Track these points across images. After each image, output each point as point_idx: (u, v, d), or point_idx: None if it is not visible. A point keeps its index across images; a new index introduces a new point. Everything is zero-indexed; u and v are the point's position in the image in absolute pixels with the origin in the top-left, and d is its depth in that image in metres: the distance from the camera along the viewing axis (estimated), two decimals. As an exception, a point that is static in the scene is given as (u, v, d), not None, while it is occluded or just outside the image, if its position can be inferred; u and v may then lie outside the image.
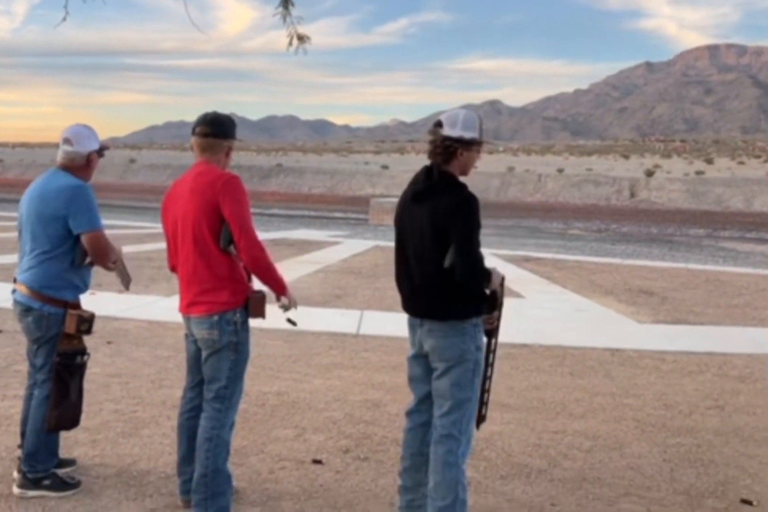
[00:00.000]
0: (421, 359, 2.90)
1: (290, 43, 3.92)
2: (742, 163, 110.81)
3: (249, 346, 2.95)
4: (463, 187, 2.78)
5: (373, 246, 16.86)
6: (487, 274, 2.72)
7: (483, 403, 2.94)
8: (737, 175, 75.41)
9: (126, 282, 3.40)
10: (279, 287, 2.88)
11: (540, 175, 70.16)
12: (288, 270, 11.54)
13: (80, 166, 3.13)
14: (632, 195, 62.27)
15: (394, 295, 10.53)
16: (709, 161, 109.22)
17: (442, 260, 2.71)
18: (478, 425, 2.95)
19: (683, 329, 7.91)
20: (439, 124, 2.81)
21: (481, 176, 74.95)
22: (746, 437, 4.32)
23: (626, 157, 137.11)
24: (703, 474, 3.73)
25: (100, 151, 3.20)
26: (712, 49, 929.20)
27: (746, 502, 3.40)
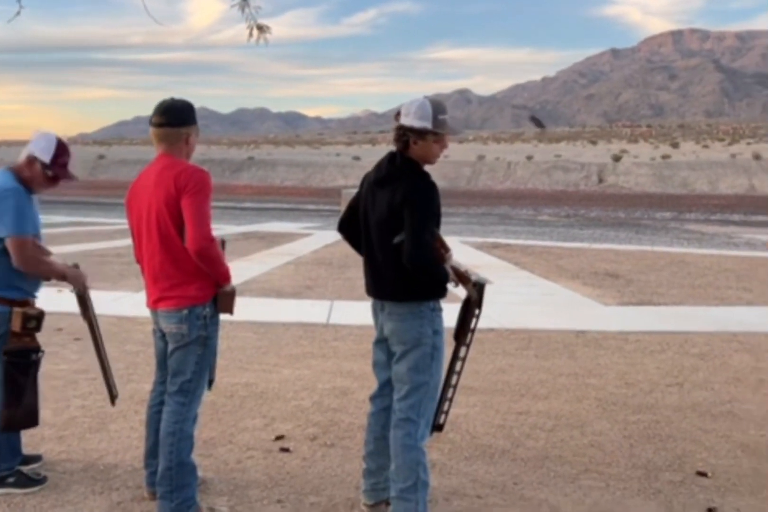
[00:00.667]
0: (383, 344, 2.95)
1: (250, 34, 3.92)
2: (706, 146, 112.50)
3: (217, 340, 2.96)
4: (424, 174, 2.81)
5: (344, 237, 16.88)
6: (437, 264, 2.75)
7: (442, 412, 2.94)
8: (702, 158, 76.55)
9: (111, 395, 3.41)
10: (224, 280, 2.86)
11: (510, 162, 70.62)
12: (259, 263, 11.55)
13: (22, 167, 3.08)
14: (600, 180, 62.97)
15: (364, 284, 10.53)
16: (675, 145, 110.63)
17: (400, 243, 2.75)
18: (431, 432, 2.94)
19: (647, 310, 8.09)
20: (397, 114, 2.85)
21: (452, 165, 75.12)
22: (703, 412, 4.46)
23: (594, 143, 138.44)
24: (661, 449, 3.84)
25: (48, 169, 3.04)
26: (676, 35, 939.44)
27: (701, 474, 3.51)
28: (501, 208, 40.15)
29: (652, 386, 5.02)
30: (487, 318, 7.28)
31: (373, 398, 3.05)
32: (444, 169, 71.56)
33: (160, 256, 2.81)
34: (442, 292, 2.87)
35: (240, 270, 10.41)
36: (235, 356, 5.61)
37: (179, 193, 2.74)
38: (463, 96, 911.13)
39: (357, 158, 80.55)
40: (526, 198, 52.25)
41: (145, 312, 3.12)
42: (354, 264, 11.61)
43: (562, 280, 10.24)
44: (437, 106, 2.81)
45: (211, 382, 3.16)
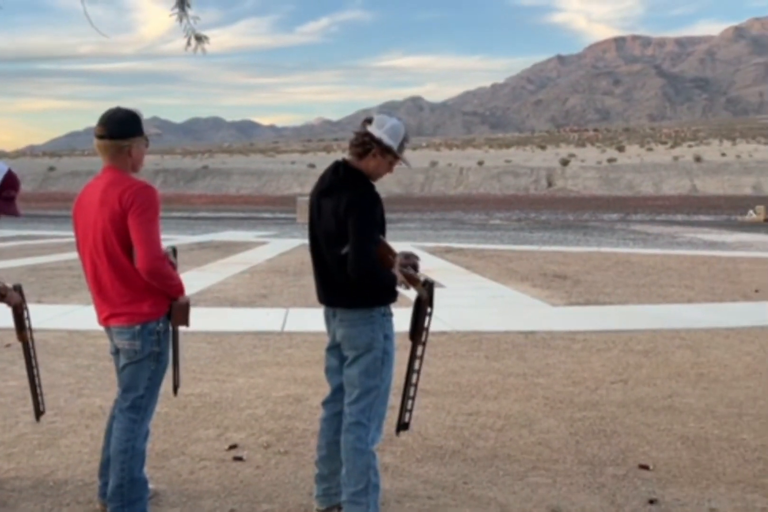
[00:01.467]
0: (335, 350, 3.00)
1: (188, 44, 3.93)
2: (650, 149, 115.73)
3: (169, 355, 2.92)
4: (368, 185, 2.87)
5: (300, 244, 16.88)
6: (381, 270, 2.79)
7: (406, 410, 2.98)
8: (646, 161, 78.89)
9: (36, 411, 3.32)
10: (177, 293, 2.84)
11: (462, 168, 71.61)
12: (214, 272, 11.48)
13: None
14: (549, 184, 64.26)
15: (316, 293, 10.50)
16: (621, 149, 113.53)
17: (341, 252, 2.81)
18: (398, 431, 3.01)
19: (593, 310, 8.32)
20: (369, 121, 2.88)
21: (406, 171, 75.67)
22: (646, 407, 4.62)
23: (543, 147, 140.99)
24: (606, 444, 3.98)
25: None
26: (619, 41, 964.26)
27: (644, 467, 3.65)
28: (454, 213, 40.60)
29: (598, 383, 5.18)
30: (439, 321, 7.44)
31: (325, 403, 3.10)
32: (398, 176, 72.08)
33: (108, 275, 2.76)
34: (391, 297, 2.93)
35: (195, 280, 10.35)
36: (189, 367, 5.57)
37: (125, 212, 2.67)
38: (416, 103, 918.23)
39: (312, 166, 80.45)
40: (479, 202, 52.99)
41: (97, 325, 3.10)
42: (309, 271, 11.58)
43: (512, 283, 10.45)
44: (407, 134, 2.90)
45: (176, 388, 3.20)
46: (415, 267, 2.94)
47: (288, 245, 16.55)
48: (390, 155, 2.87)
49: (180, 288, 2.84)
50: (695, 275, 11.47)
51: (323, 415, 3.09)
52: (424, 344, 2.99)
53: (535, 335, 6.89)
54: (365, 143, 2.84)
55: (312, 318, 7.54)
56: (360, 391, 2.88)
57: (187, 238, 18.20)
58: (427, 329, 2.99)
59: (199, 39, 3.93)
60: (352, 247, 2.73)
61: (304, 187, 60.81)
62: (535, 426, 4.26)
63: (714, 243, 18.55)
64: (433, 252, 15.03)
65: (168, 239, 17.73)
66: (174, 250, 2.98)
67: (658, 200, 54.31)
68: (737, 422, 4.31)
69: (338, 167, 2.89)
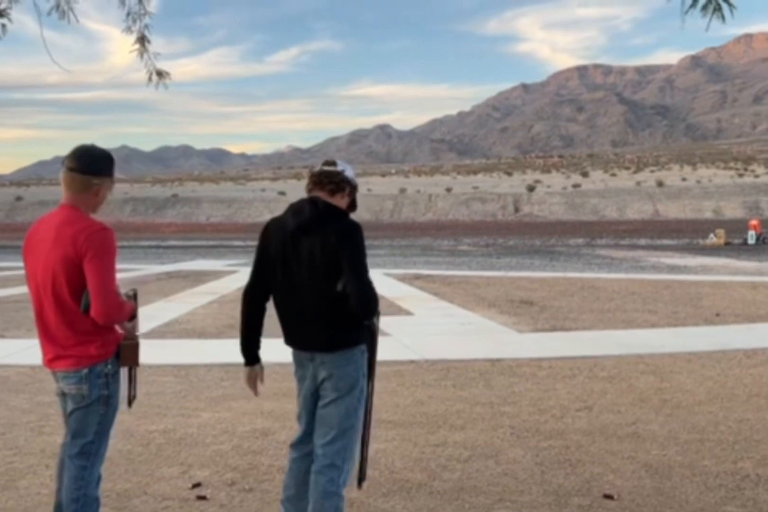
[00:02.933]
0: (312, 395, 2.91)
1: (150, 79, 3.95)
2: (614, 174, 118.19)
3: (118, 397, 2.80)
4: (349, 216, 2.90)
5: (266, 273, 16.81)
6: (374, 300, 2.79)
7: (363, 459, 2.95)
8: (610, 186, 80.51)
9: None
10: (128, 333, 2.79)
11: (430, 195, 72.25)
12: (181, 303, 11.35)
13: None
14: (516, 210, 65.11)
15: (284, 337, 10.45)
16: (585, 174, 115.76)
17: (334, 289, 2.74)
18: (360, 484, 2.99)
19: (559, 336, 8.41)
20: (333, 163, 2.92)
21: (375, 198, 76.06)
22: (610, 434, 4.67)
23: (509, 174, 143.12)
24: (571, 474, 4.01)
25: None
26: (581, 70, 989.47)
27: (608, 497, 3.68)
28: (423, 240, 40.82)
29: (563, 411, 5.22)
30: (407, 349, 7.47)
31: (295, 445, 3.02)
32: (368, 202, 72.40)
33: (54, 316, 2.67)
34: (370, 335, 2.90)
35: (162, 311, 10.23)
36: (154, 402, 5.50)
37: (79, 256, 2.58)
38: (384, 131, 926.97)
39: (282, 193, 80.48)
40: (447, 229, 53.44)
41: None
42: (275, 301, 11.57)
43: (479, 309, 10.52)
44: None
45: (131, 400, 3.03)
46: None
47: (256, 274, 16.48)
48: (354, 194, 2.96)
49: (128, 317, 2.75)
50: (658, 300, 11.67)
51: (293, 455, 3.01)
52: (373, 379, 3.00)
53: (502, 362, 6.94)
54: (340, 182, 2.88)
55: (279, 349, 7.50)
56: (337, 432, 2.82)
57: (156, 267, 18.00)
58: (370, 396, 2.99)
59: (161, 74, 3.96)
60: (354, 281, 2.69)
61: (274, 213, 60.76)
62: (501, 457, 4.27)
63: (676, 267, 18.92)
64: (402, 279, 15.09)
65: (135, 269, 17.52)
66: (135, 294, 2.87)
67: (622, 224, 55.32)
68: (699, 448, 4.38)
69: (316, 203, 2.84)
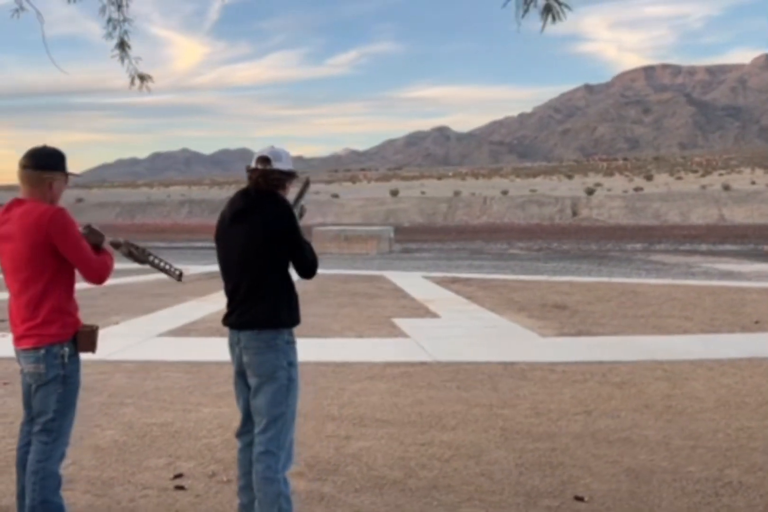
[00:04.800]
0: (242, 377, 3.08)
1: (132, 83, 4.13)
2: (680, 178, 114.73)
3: (78, 379, 3.02)
4: (280, 198, 3.06)
5: (308, 274, 17.01)
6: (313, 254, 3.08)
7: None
8: (674, 189, 78.11)
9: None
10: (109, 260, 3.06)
11: (485, 197, 71.61)
12: (213, 302, 11.62)
13: None
14: (574, 213, 63.89)
15: (312, 322, 10.75)
16: (649, 178, 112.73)
17: (266, 270, 2.98)
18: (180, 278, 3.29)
19: (582, 341, 8.27)
20: (267, 160, 3.07)
21: (429, 201, 75.87)
22: (601, 439, 4.60)
23: (570, 177, 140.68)
24: (549, 476, 3.97)
25: None
26: (648, 71, 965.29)
27: (578, 499, 3.64)
28: (475, 243, 40.55)
29: (561, 415, 5.16)
30: (421, 351, 7.49)
31: (239, 434, 3.17)
32: (421, 205, 72.31)
33: (20, 300, 2.93)
34: (297, 317, 3.08)
35: (193, 310, 10.52)
36: (160, 396, 5.69)
37: (48, 240, 2.86)
38: (442, 133, 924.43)
39: (335, 196, 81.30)
40: (501, 232, 52.83)
41: (9, 350, 3.21)
42: (309, 300, 11.73)
43: (508, 313, 10.43)
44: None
45: (181, 275, 3.40)
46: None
47: (294, 275, 16.68)
48: (294, 177, 3.13)
49: (111, 257, 3.07)
50: (698, 306, 11.32)
51: (239, 446, 3.17)
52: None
53: (515, 366, 6.88)
54: (278, 179, 3.06)
55: (299, 348, 7.65)
56: (268, 420, 2.96)
57: (198, 268, 18.43)
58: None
59: (143, 78, 4.13)
60: (297, 253, 3.00)
61: (326, 217, 61.40)
62: (483, 457, 4.27)
63: (729, 273, 18.28)
64: (439, 282, 15.06)
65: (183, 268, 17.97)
66: (119, 245, 3.18)
67: (684, 229, 53.60)
68: (689, 455, 4.27)
69: (247, 191, 3.07)
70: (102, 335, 9.34)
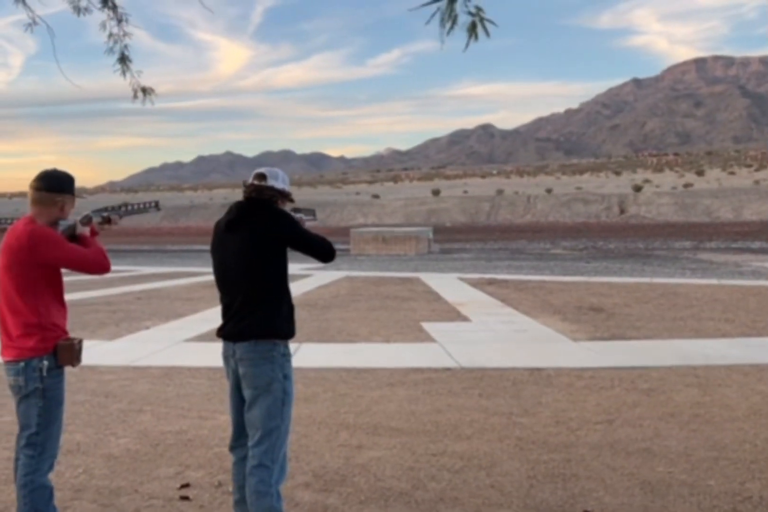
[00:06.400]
0: (237, 390, 3.07)
1: (135, 96, 4.17)
2: (732, 173, 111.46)
3: (60, 392, 3.01)
4: (273, 205, 3.08)
5: (343, 277, 17.07)
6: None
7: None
8: (725, 185, 75.87)
9: None
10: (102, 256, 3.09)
11: (529, 196, 70.78)
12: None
13: None
14: (622, 211, 62.61)
15: (340, 326, 10.75)
16: (700, 173, 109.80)
17: (263, 279, 2.96)
18: None
19: (615, 345, 8.05)
20: (263, 176, 3.08)
21: (471, 200, 75.46)
22: (620, 449, 4.44)
23: (618, 173, 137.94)
24: (560, 489, 3.85)
25: None
26: (699, 63, 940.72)
27: (587, 513, 3.52)
28: (518, 243, 40.08)
29: (582, 424, 5.01)
30: (446, 357, 7.39)
31: (232, 448, 3.15)
32: (463, 204, 71.93)
33: (5, 312, 2.99)
34: (293, 329, 3.06)
35: (218, 314, 10.62)
36: (179, 403, 5.73)
37: (31, 255, 2.91)
38: (487, 131, 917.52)
39: (376, 196, 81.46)
40: (546, 231, 52.16)
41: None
42: (340, 304, 11.74)
43: (542, 316, 10.23)
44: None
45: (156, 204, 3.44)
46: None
47: (330, 277, 16.72)
48: (287, 200, 3.14)
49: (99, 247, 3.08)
50: (741, 307, 10.93)
51: (233, 460, 3.15)
52: None
53: (541, 372, 6.73)
54: (272, 195, 3.09)
55: (321, 354, 7.64)
56: (262, 433, 2.93)
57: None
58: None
59: (145, 91, 4.16)
60: (307, 247, 3.04)
61: (367, 218, 61.67)
62: (494, 469, 4.16)
63: (780, 271, 17.63)
64: (474, 284, 14.90)
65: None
66: (90, 218, 3.18)
67: (736, 226, 52.06)
68: (711, 467, 4.09)
69: (242, 202, 3.10)
70: (131, 340, 9.50)
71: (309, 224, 3.35)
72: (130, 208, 3.34)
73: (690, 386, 6.11)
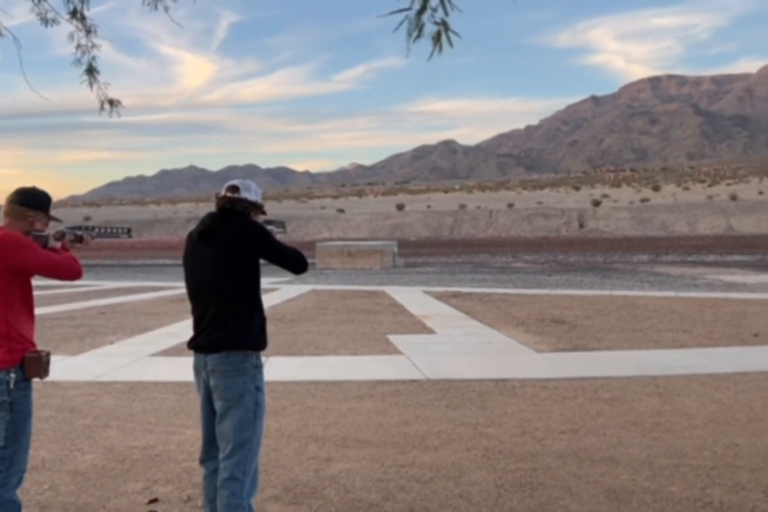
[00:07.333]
0: (208, 403, 3.07)
1: (102, 108, 4.16)
2: (687, 188, 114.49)
3: (28, 405, 2.97)
4: (246, 217, 3.11)
5: (310, 290, 17.04)
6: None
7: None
8: (681, 200, 77.93)
9: None
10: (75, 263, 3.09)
11: (491, 210, 71.66)
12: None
13: None
14: (581, 225, 63.78)
15: (308, 339, 10.74)
16: (656, 188, 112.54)
17: (235, 290, 2.97)
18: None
19: (577, 356, 8.20)
20: (236, 188, 3.11)
21: (435, 215, 76.05)
22: (584, 458, 4.54)
23: (577, 188, 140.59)
24: (528, 497, 3.92)
25: None
26: (654, 81, 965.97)
27: (556, 520, 3.59)
28: (481, 256, 40.45)
29: (547, 433, 5.11)
30: (413, 369, 7.44)
31: (203, 461, 3.14)
32: (426, 219, 72.49)
33: None
34: (265, 341, 3.07)
35: (186, 329, 10.48)
36: (146, 418, 5.67)
37: (5, 261, 2.90)
38: (449, 146, 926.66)
39: (341, 211, 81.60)
40: (508, 245, 52.78)
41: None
42: (307, 318, 11.72)
43: (506, 328, 10.37)
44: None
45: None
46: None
47: (297, 291, 16.68)
48: (260, 211, 3.17)
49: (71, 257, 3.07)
50: (698, 319, 11.23)
51: (204, 473, 3.14)
52: None
53: (507, 383, 6.83)
54: (245, 207, 3.12)
55: (288, 367, 7.63)
56: (234, 445, 2.93)
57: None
58: None
59: (112, 103, 4.16)
60: (281, 258, 3.03)
61: (332, 232, 61.73)
62: (463, 479, 4.22)
63: (734, 284, 18.14)
64: (439, 297, 15.03)
65: (171, 286, 18.06)
66: (63, 234, 3.19)
67: (691, 240, 53.40)
68: (672, 474, 4.21)
69: (215, 214, 3.12)
70: (95, 355, 9.35)
71: (279, 237, 3.38)
72: (103, 231, 3.40)
73: (651, 395, 6.26)
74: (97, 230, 3.38)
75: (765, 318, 11.14)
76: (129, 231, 3.63)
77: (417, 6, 2.30)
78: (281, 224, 3.57)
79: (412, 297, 14.97)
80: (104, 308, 13.71)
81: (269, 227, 3.26)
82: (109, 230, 3.46)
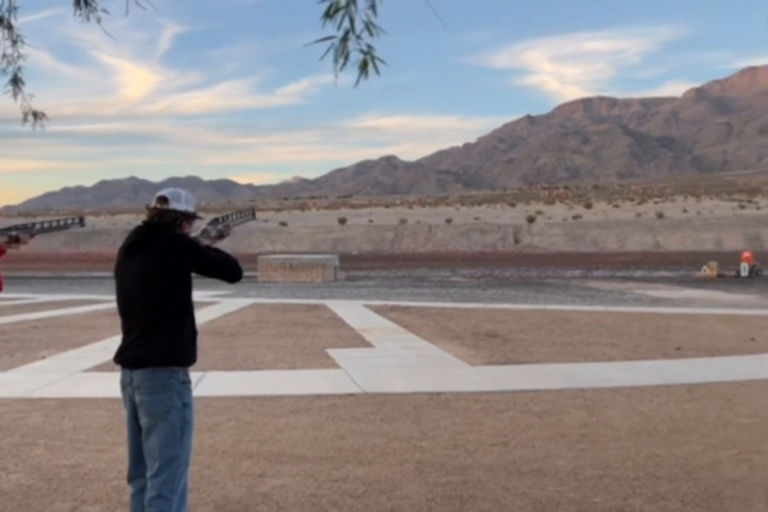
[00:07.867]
0: (135, 419, 3.04)
1: (25, 119, 4.10)
2: (617, 206, 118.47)
3: None
4: (173, 230, 3.09)
5: (251, 304, 16.89)
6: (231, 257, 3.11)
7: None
8: (611, 217, 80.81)
9: None
10: None
11: (431, 226, 72.63)
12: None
13: None
14: (516, 241, 65.25)
15: (246, 353, 10.67)
16: (588, 206, 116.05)
17: (164, 303, 2.95)
18: None
19: (509, 369, 8.41)
20: (165, 199, 3.10)
21: (376, 229, 76.41)
22: (513, 470, 4.67)
23: (513, 205, 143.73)
24: (458, 510, 4.00)
25: None
26: (586, 102, 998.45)
27: (485, 531, 3.69)
28: (420, 270, 40.83)
29: (478, 446, 5.23)
30: (350, 383, 7.49)
31: (131, 479, 3.11)
32: (368, 233, 72.76)
33: None
34: (194, 356, 3.06)
35: (119, 343, 10.27)
36: (75, 436, 5.53)
37: None
38: (390, 162, 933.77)
39: (284, 224, 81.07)
40: (446, 259, 53.53)
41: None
42: (246, 332, 11.62)
43: (441, 342, 10.53)
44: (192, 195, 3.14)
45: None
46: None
47: (237, 305, 16.51)
48: (193, 218, 3.17)
49: None
50: (625, 333, 11.65)
51: (131, 491, 3.11)
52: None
53: (441, 396, 6.94)
54: (174, 219, 3.10)
55: (225, 382, 7.56)
56: (160, 463, 2.91)
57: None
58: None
59: (36, 115, 4.11)
60: (213, 266, 3.02)
61: (275, 245, 61.26)
62: (395, 492, 4.28)
63: (660, 299, 18.88)
64: (378, 310, 15.12)
65: (98, 300, 17.65)
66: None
67: (621, 256, 55.27)
68: (596, 484, 4.37)
69: (141, 227, 3.11)
70: (25, 371, 9.12)
71: (248, 224, 3.36)
72: (47, 225, 3.25)
73: (579, 408, 6.48)
74: (40, 226, 3.27)
75: (688, 332, 11.66)
76: (81, 220, 3.46)
77: (340, 34, 2.36)
78: (251, 212, 3.54)
79: (352, 311, 15.02)
80: (37, 322, 13.27)
81: (219, 227, 3.25)
82: (58, 222, 3.35)
